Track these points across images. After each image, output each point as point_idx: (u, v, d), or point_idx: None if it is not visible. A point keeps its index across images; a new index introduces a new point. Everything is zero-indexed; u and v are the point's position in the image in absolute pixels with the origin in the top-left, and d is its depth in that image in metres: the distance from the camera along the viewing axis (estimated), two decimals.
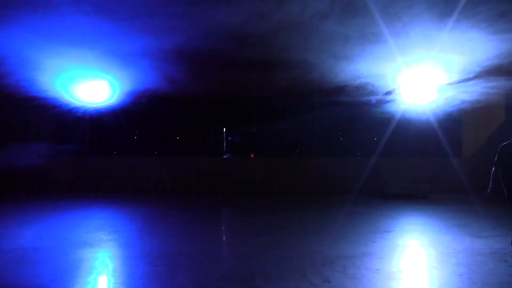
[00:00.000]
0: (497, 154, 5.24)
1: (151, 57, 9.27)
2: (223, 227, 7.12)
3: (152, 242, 5.59)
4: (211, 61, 10.43)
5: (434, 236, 6.09)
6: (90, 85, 10.38)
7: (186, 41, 8.52)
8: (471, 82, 10.26)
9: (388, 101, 11.11)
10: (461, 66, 9.37)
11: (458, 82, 10.23)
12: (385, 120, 11.19)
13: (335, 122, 12.01)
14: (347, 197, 10.02)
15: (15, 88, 9.61)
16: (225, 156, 11.85)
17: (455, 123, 11.55)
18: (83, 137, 11.57)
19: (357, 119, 11.69)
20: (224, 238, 6.28)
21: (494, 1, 6.83)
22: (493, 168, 5.27)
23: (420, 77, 10.26)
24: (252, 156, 11.96)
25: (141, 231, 6.36)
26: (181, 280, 4.01)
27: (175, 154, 11.64)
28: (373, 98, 11.06)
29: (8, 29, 7.65)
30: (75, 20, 7.50)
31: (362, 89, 10.68)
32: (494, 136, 11.23)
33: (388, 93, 11.04)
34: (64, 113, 10.91)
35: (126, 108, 11.13)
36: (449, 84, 10.33)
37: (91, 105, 10.83)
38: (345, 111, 11.63)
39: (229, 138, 12.14)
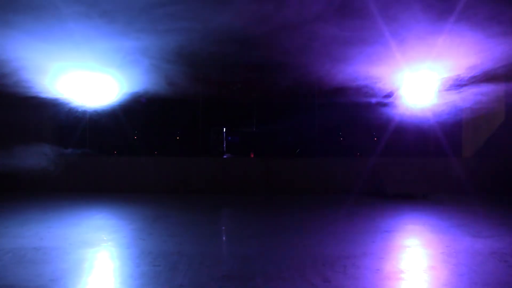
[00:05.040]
0: None
1: (151, 57, 9.28)
2: (223, 227, 7.11)
3: (152, 242, 5.59)
4: (211, 61, 10.44)
5: (434, 236, 6.09)
6: (90, 85, 10.39)
7: (186, 42, 8.53)
8: (467, 86, 10.28)
9: (388, 103, 11.13)
10: (458, 68, 9.41)
11: (456, 85, 10.26)
12: (385, 120, 11.20)
13: (335, 122, 12.03)
14: (347, 197, 10.02)
15: (15, 88, 9.61)
16: (225, 156, 11.85)
17: (455, 123, 11.55)
18: (83, 137, 11.57)
19: (357, 119, 11.70)
20: (224, 238, 6.28)
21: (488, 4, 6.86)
22: None
23: (419, 78, 10.28)
24: (252, 156, 11.95)
25: (141, 231, 6.36)
26: (181, 280, 4.01)
27: (175, 154, 11.64)
28: None
29: (8, 30, 7.66)
30: (75, 21, 7.51)
31: (362, 90, 10.70)
32: (494, 136, 11.23)
33: (388, 95, 11.06)
34: (64, 113, 10.92)
35: (126, 108, 11.13)
36: (447, 86, 10.36)
37: (91, 105, 10.84)
38: (345, 111, 11.65)
39: (229, 138, 12.14)
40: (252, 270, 4.32)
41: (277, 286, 3.85)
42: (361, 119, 11.65)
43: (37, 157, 10.40)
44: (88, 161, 11.20)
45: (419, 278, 4.15)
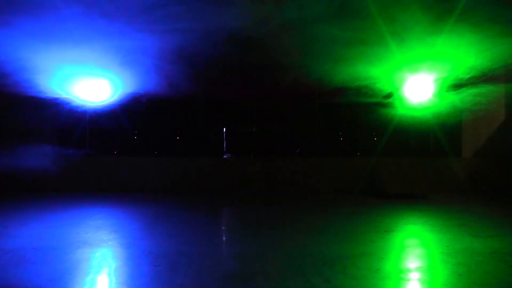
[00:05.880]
0: None
1: (152, 57, 9.29)
2: (223, 227, 7.12)
3: (152, 242, 5.59)
4: (211, 62, 10.45)
5: (434, 236, 6.09)
6: (90, 84, 10.38)
7: (187, 42, 8.54)
8: (466, 87, 10.29)
9: (387, 103, 11.13)
10: (457, 69, 9.42)
11: (456, 86, 10.27)
12: (385, 120, 11.20)
13: (335, 122, 12.03)
14: (347, 197, 10.02)
15: (14, 88, 9.61)
16: (225, 156, 11.85)
17: (455, 124, 11.55)
18: (83, 136, 11.57)
19: (357, 119, 11.71)
20: (224, 238, 6.28)
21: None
22: None
23: (419, 78, 10.28)
24: (252, 156, 11.96)
25: (141, 231, 6.36)
26: (181, 280, 4.01)
27: (175, 154, 11.64)
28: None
29: (7, 31, 7.67)
30: (76, 20, 7.51)
31: (362, 90, 10.70)
32: (494, 136, 11.23)
33: (388, 95, 11.06)
34: (64, 112, 10.91)
35: (126, 108, 11.13)
36: (447, 87, 10.37)
37: (91, 105, 10.84)
38: (344, 111, 11.66)
39: (229, 138, 12.13)
40: (252, 270, 4.32)
41: (277, 286, 3.86)
42: (361, 119, 11.66)
43: (38, 157, 10.39)
44: (88, 161, 11.19)
45: (419, 278, 4.15)
